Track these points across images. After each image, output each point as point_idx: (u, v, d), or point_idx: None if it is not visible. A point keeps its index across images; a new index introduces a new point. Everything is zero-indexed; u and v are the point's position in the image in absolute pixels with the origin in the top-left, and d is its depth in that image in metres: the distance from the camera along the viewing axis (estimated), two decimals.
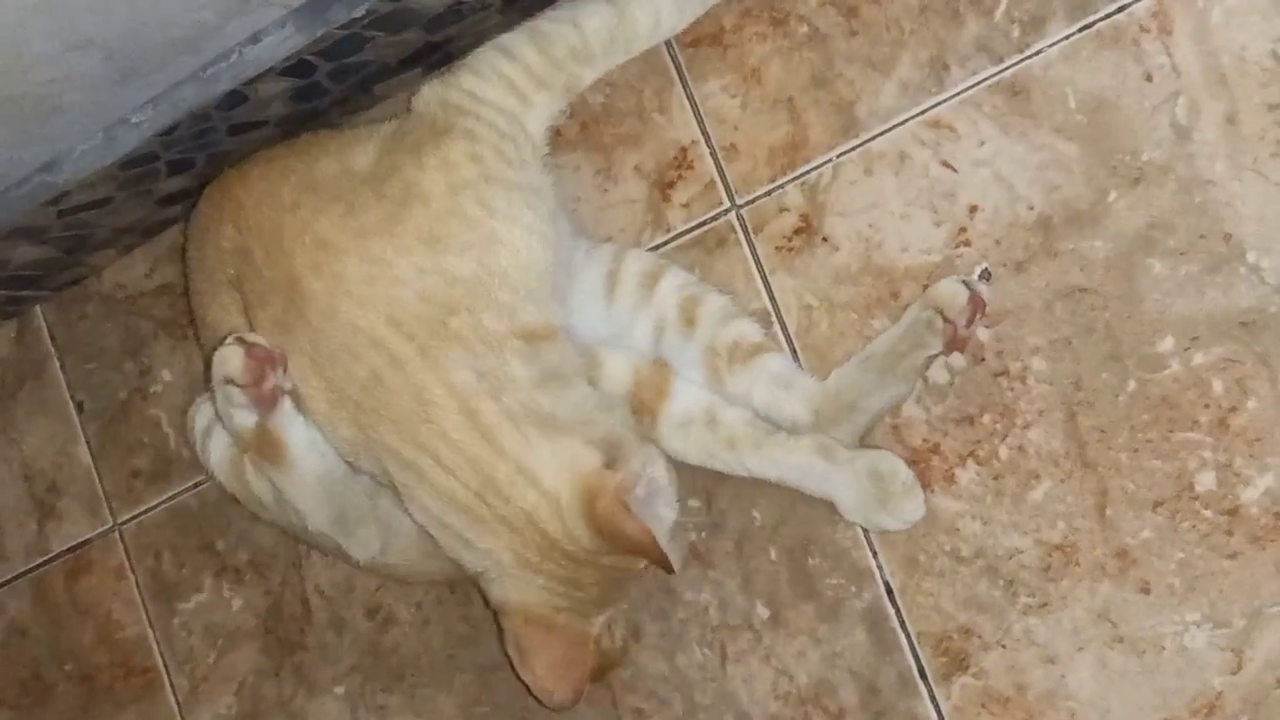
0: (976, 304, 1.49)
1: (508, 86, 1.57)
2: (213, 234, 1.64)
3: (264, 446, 1.50)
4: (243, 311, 1.59)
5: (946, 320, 1.48)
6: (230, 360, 1.47)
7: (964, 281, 1.49)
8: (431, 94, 1.58)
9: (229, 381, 1.47)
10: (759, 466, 1.55)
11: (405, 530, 1.58)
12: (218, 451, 1.61)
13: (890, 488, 1.53)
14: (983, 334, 1.53)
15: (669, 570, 1.43)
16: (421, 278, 1.46)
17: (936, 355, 1.51)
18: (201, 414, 1.65)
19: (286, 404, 1.49)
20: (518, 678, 1.51)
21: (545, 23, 1.59)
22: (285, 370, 1.48)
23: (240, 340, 1.47)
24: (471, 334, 1.45)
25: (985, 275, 1.53)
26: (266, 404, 1.48)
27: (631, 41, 1.62)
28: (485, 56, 1.58)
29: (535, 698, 1.50)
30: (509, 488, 1.43)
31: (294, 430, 1.49)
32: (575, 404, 1.48)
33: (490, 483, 1.43)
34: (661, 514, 1.44)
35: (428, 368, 1.44)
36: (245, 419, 1.50)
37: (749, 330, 1.58)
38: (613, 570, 1.47)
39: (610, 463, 1.42)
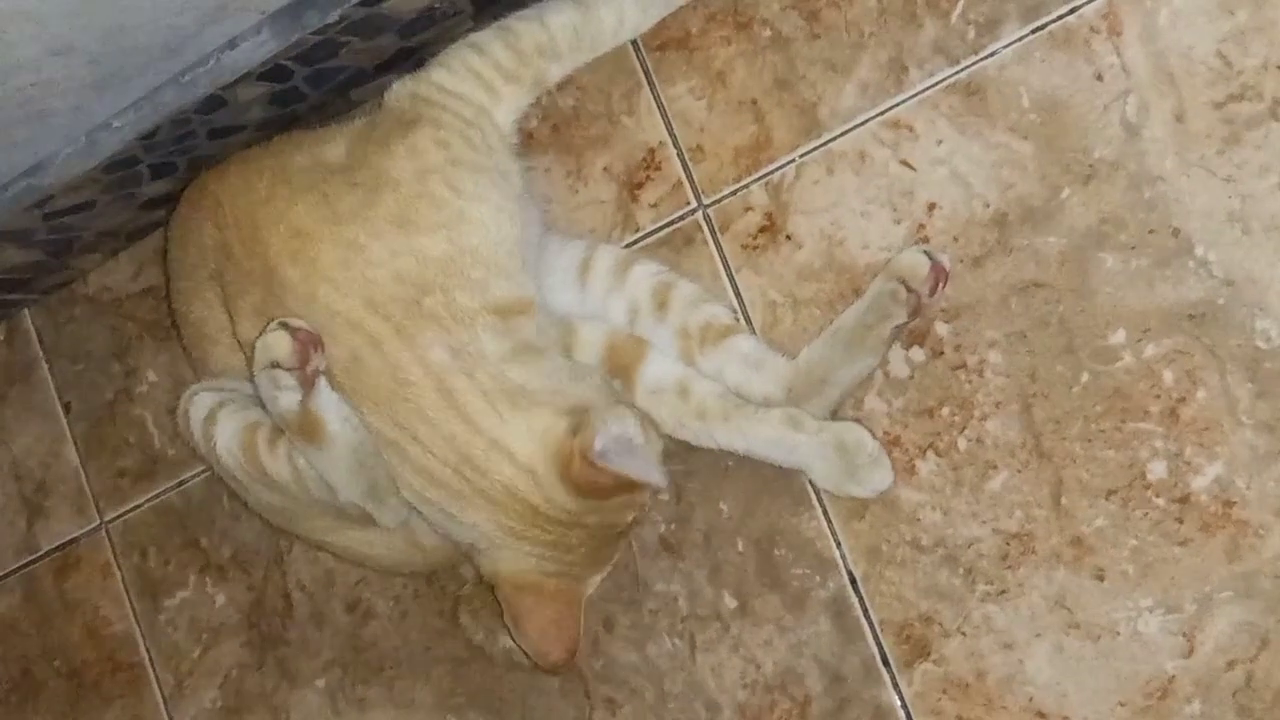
0: (938, 273, 1.52)
1: (476, 79, 1.61)
2: (193, 232, 1.68)
3: (305, 426, 1.53)
4: (224, 306, 1.62)
5: (910, 290, 1.51)
6: (278, 345, 1.49)
7: (925, 251, 1.52)
8: (402, 89, 1.63)
9: (275, 365, 1.50)
10: (728, 438, 1.59)
11: None
12: (225, 437, 1.62)
13: (857, 459, 1.57)
14: (941, 328, 1.56)
15: (660, 488, 1.50)
16: (394, 259, 1.50)
17: (903, 325, 1.54)
18: (198, 404, 1.66)
19: (323, 383, 1.52)
20: (515, 643, 1.57)
21: (514, 21, 1.63)
22: (323, 350, 1.52)
23: (284, 325, 1.50)
24: (445, 312, 1.49)
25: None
26: (309, 385, 1.51)
27: (597, 40, 1.66)
28: (454, 52, 1.63)
29: (532, 660, 1.55)
30: (485, 462, 1.47)
31: (330, 407, 1.52)
32: (547, 374, 1.52)
33: (467, 458, 1.47)
34: (630, 464, 1.45)
35: (404, 346, 1.49)
36: (290, 401, 1.52)
37: (719, 313, 1.62)
38: (599, 529, 1.51)
39: (576, 428, 1.45)
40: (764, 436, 1.57)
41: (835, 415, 1.59)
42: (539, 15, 1.63)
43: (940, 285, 1.53)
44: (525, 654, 1.57)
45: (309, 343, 1.49)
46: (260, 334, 1.51)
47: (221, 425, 1.61)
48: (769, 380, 1.58)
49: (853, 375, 1.57)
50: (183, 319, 1.75)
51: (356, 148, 1.59)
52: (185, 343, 1.78)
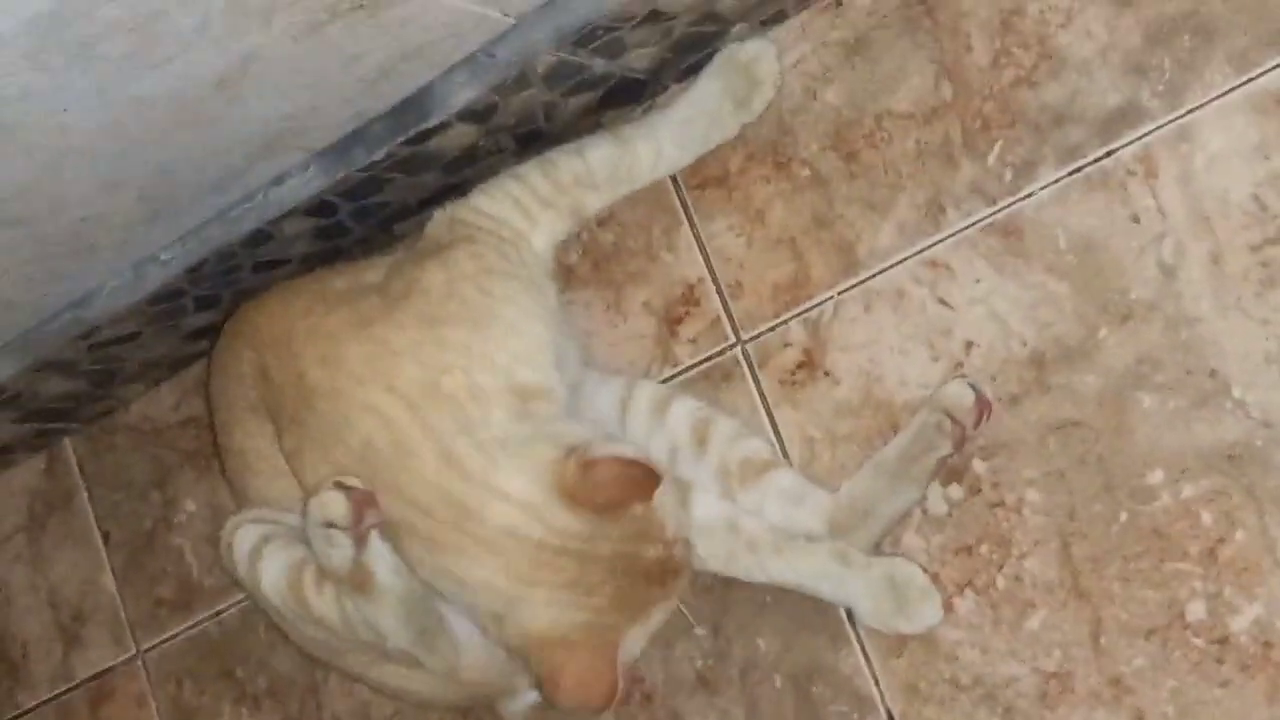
0: (982, 405, 1.53)
1: (514, 205, 1.64)
2: (233, 361, 1.70)
3: (356, 578, 1.53)
4: (263, 434, 1.64)
5: (955, 421, 1.52)
6: (333, 505, 1.49)
7: (970, 384, 1.53)
8: (442, 216, 1.67)
9: (330, 525, 1.50)
10: (779, 570, 1.58)
11: (470, 638, 1.61)
12: (272, 574, 1.61)
13: (908, 593, 1.56)
14: (979, 466, 1.56)
15: (655, 478, 1.46)
16: (418, 348, 1.53)
17: (946, 458, 1.54)
18: (243, 536, 1.65)
19: (374, 537, 1.52)
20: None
21: (554, 153, 1.67)
22: (378, 508, 1.52)
23: (340, 485, 1.50)
24: (463, 392, 1.50)
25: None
26: (362, 542, 1.51)
27: (634, 174, 1.69)
28: (495, 181, 1.66)
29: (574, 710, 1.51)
30: (481, 509, 1.46)
31: (381, 560, 1.52)
32: (552, 421, 1.53)
33: (464, 511, 1.47)
34: (622, 450, 1.47)
35: (413, 421, 1.50)
36: (343, 558, 1.52)
37: (759, 447, 1.63)
38: (616, 562, 1.46)
39: (571, 452, 1.45)
40: (814, 569, 1.57)
41: (876, 551, 1.59)
42: (579, 149, 1.66)
43: (984, 417, 1.53)
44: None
45: (364, 503, 1.49)
46: (315, 493, 1.52)
47: (268, 561, 1.61)
48: (810, 514, 1.58)
49: (895, 508, 1.57)
50: (225, 449, 1.76)
51: (394, 269, 1.63)
52: (227, 473, 1.79)
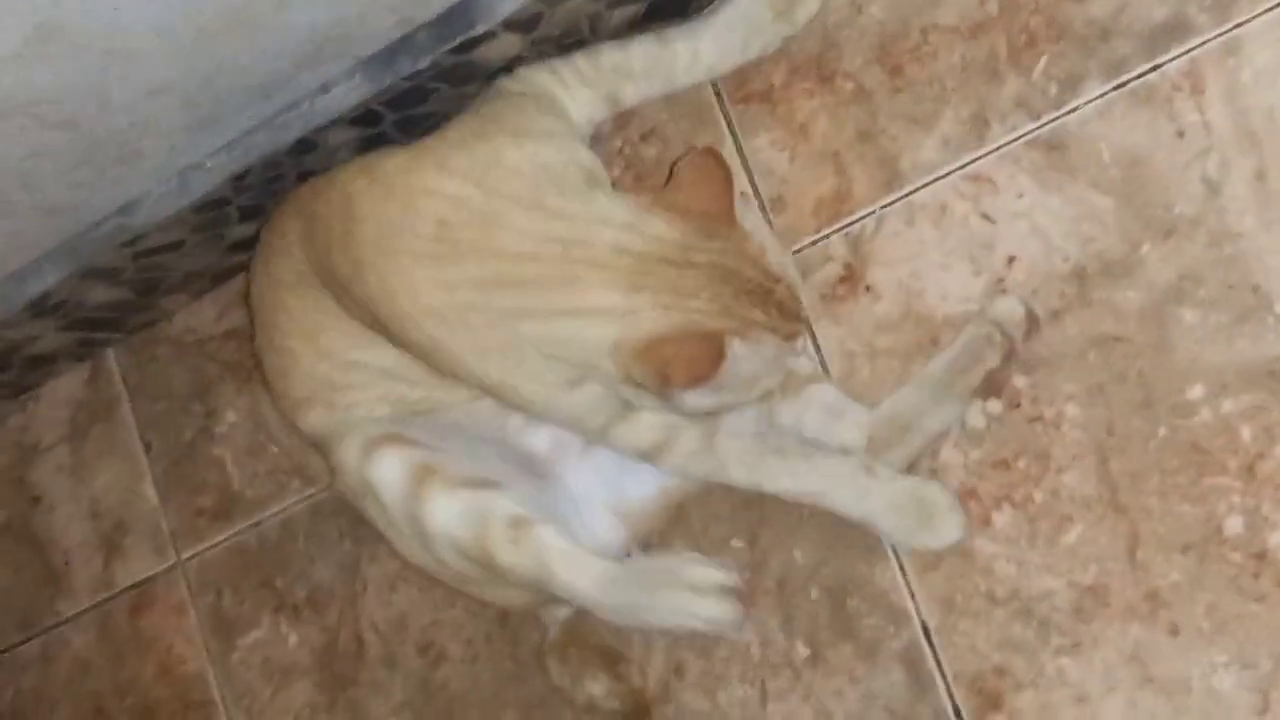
0: (1031, 319, 1.55)
1: (551, 73, 1.67)
2: (278, 241, 1.72)
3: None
4: (307, 308, 1.68)
5: (1004, 335, 1.53)
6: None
7: (1019, 299, 1.55)
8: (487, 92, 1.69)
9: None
10: (805, 477, 1.59)
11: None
12: (449, 515, 1.60)
13: (933, 508, 1.57)
14: (1019, 380, 1.57)
15: (730, 204, 1.50)
16: (463, 139, 1.58)
17: (991, 373, 1.55)
18: (392, 463, 1.63)
19: None
20: None
21: (597, 45, 1.69)
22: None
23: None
24: (528, 164, 1.54)
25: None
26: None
27: (671, 70, 1.69)
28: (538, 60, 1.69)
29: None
30: (587, 235, 1.49)
31: None
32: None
33: (571, 242, 1.49)
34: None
35: (487, 195, 1.52)
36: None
37: (799, 363, 1.63)
38: (715, 271, 1.48)
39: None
40: (841, 478, 1.58)
41: (911, 472, 1.60)
42: (622, 41, 1.68)
43: (1033, 332, 1.54)
44: None
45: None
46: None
47: (443, 501, 1.60)
48: (849, 429, 1.59)
49: (936, 424, 1.58)
50: (267, 348, 1.77)
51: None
52: (269, 375, 1.79)
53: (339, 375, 1.68)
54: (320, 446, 1.72)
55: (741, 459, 1.61)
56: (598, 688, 1.74)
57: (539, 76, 1.67)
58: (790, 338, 1.52)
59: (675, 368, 1.44)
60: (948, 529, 1.59)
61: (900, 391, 1.60)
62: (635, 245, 1.48)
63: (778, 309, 1.50)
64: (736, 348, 1.46)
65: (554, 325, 1.51)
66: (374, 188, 1.57)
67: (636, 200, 1.51)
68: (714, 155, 1.51)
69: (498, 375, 1.56)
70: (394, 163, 1.58)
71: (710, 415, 1.59)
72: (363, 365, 1.67)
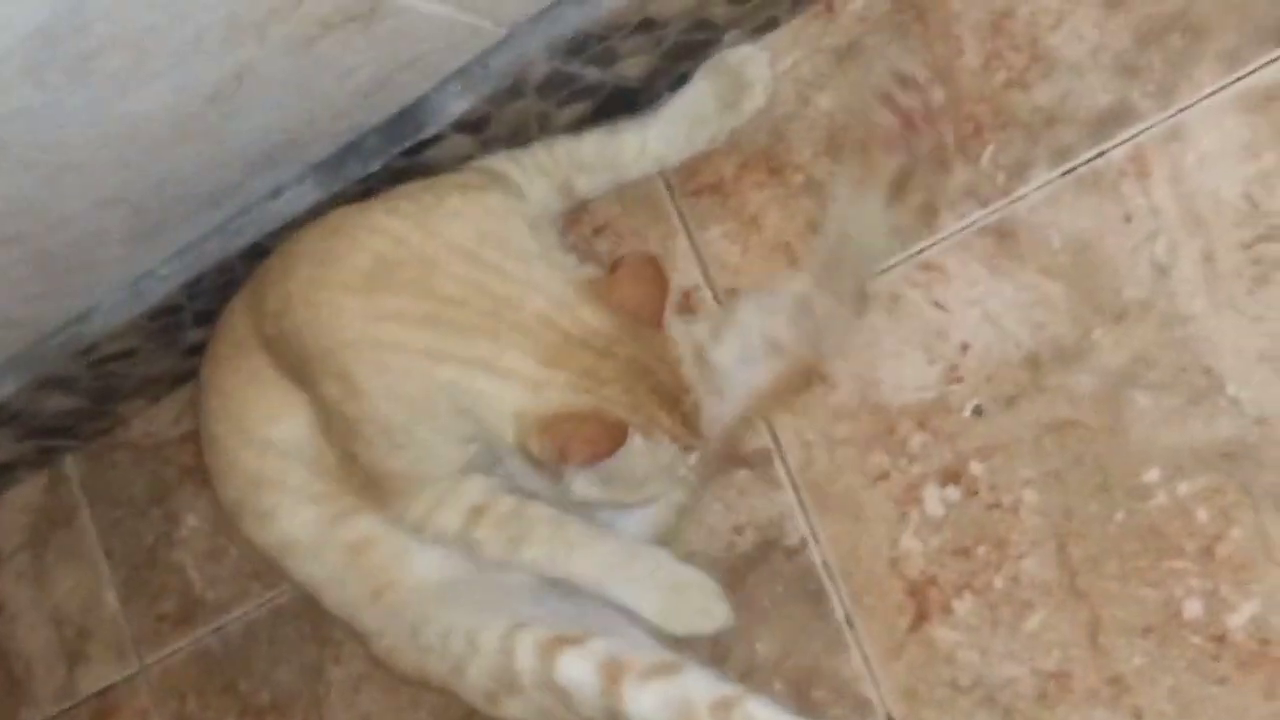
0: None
1: (510, 160, 1.67)
2: (225, 325, 1.72)
3: None
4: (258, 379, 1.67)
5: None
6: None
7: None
8: None
9: None
10: (587, 560, 1.62)
11: None
12: (581, 672, 1.57)
13: (702, 596, 1.62)
14: (976, 467, 1.57)
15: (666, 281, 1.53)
16: (413, 196, 1.58)
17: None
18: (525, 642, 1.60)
19: None
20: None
21: (551, 136, 1.70)
22: None
23: None
24: (475, 208, 1.56)
25: (978, 411, 1.57)
26: None
27: (619, 161, 1.70)
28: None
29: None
30: (519, 298, 1.49)
31: None
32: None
33: (502, 299, 1.50)
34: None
35: (427, 236, 1.53)
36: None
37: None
38: (632, 366, 1.49)
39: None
40: (618, 561, 1.61)
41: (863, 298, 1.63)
42: (575, 134, 1.69)
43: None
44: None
45: None
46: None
47: (644, 695, 1.54)
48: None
49: (864, 229, 1.62)
50: (204, 442, 1.77)
51: None
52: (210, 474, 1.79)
53: (255, 463, 1.68)
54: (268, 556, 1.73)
55: (545, 527, 1.62)
56: None
57: (496, 164, 1.67)
58: (688, 448, 1.53)
59: (574, 444, 1.46)
60: (717, 616, 1.62)
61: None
62: (562, 322, 1.49)
63: (682, 418, 1.51)
64: (637, 441, 1.48)
65: (469, 375, 1.51)
66: (319, 227, 1.59)
67: (574, 277, 1.52)
68: (653, 262, 1.53)
69: (401, 421, 1.56)
70: (342, 211, 1.60)
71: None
72: (276, 446, 1.66)
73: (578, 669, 1.56)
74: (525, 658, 1.58)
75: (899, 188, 1.60)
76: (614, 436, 1.47)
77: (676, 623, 1.61)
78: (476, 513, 1.62)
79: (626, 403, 1.49)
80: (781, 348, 1.63)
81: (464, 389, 1.52)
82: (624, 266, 1.52)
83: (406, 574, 1.66)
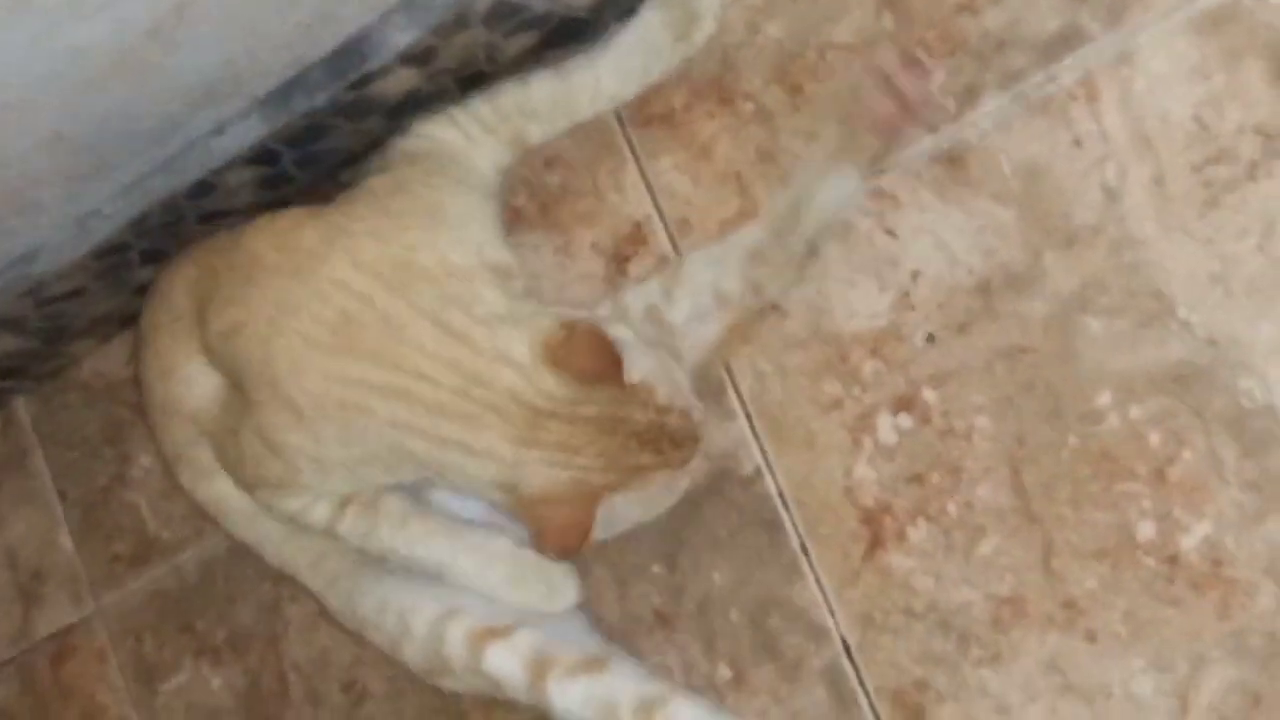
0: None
1: (454, 126, 1.65)
2: (166, 290, 1.73)
3: None
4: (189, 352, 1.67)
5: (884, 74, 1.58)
6: None
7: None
8: (390, 145, 1.67)
9: None
10: (433, 544, 1.64)
11: None
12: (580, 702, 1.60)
13: (551, 575, 1.63)
14: (929, 395, 1.57)
15: (617, 361, 1.49)
16: (377, 230, 1.54)
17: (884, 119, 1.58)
18: (503, 654, 1.62)
19: None
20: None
21: (498, 85, 1.67)
22: None
23: None
24: (438, 268, 1.53)
25: (930, 338, 1.57)
26: None
27: (573, 104, 1.68)
28: (440, 110, 1.67)
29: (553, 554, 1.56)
30: (489, 374, 1.48)
31: None
32: (543, 308, 1.56)
33: (472, 376, 1.48)
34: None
35: (394, 296, 1.51)
36: None
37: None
38: (601, 424, 1.49)
39: (569, 326, 1.50)
40: (466, 546, 1.63)
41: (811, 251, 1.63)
42: (522, 79, 1.67)
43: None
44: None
45: None
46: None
47: (569, 691, 1.59)
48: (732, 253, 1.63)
49: (831, 199, 1.60)
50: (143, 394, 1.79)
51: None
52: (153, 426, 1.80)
53: (191, 425, 1.70)
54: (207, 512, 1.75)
55: (395, 517, 1.64)
56: None
57: (440, 131, 1.65)
58: (682, 464, 1.54)
59: (545, 537, 1.51)
60: (566, 594, 1.63)
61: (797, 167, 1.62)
62: (529, 396, 1.48)
63: (669, 441, 1.52)
64: (616, 502, 1.51)
65: (444, 452, 1.52)
66: (282, 262, 1.56)
67: (535, 338, 1.50)
68: (595, 334, 1.49)
69: (341, 459, 1.59)
70: (306, 238, 1.56)
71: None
72: (211, 412, 1.68)
73: (504, 662, 1.60)
74: (454, 646, 1.62)
75: (876, 162, 1.59)
76: (580, 527, 1.49)
77: (522, 600, 1.62)
78: (341, 505, 1.64)
79: (602, 465, 1.50)
80: (730, 300, 1.62)
81: (437, 460, 1.53)
82: (576, 336, 1.48)
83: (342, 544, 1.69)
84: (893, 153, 1.59)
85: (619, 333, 1.53)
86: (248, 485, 1.66)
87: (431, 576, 1.64)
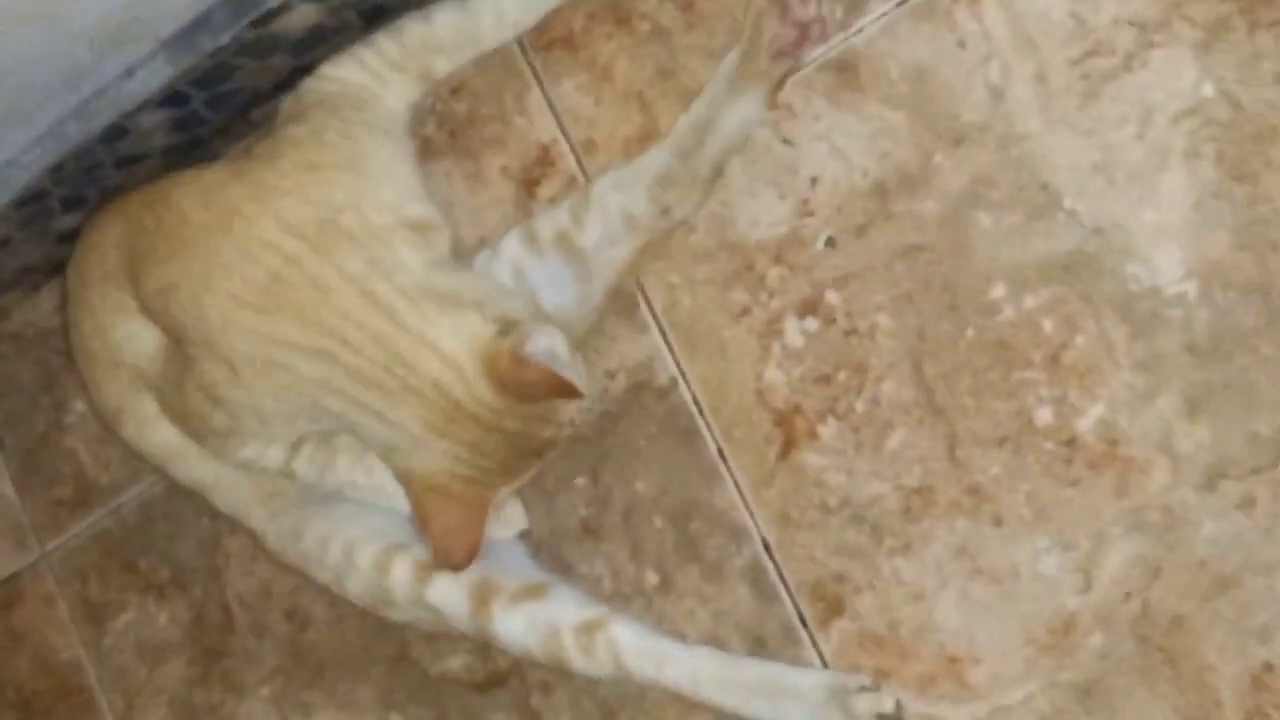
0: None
1: (361, 67, 1.68)
2: (95, 245, 1.74)
3: None
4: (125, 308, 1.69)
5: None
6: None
7: None
8: (294, 93, 1.70)
9: None
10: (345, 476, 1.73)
11: None
12: (521, 630, 1.66)
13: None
14: (831, 297, 1.61)
15: (578, 394, 1.50)
16: (302, 189, 1.56)
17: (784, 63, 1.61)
18: (451, 588, 1.67)
19: None
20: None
21: (401, 20, 1.69)
22: None
23: None
24: (360, 229, 1.55)
25: (830, 242, 1.61)
26: None
27: (479, 34, 1.71)
28: (344, 51, 1.69)
29: (434, 560, 1.59)
30: (413, 358, 1.51)
31: None
32: (471, 285, 1.58)
33: (396, 355, 1.51)
34: (557, 366, 1.49)
35: (321, 260, 1.53)
36: None
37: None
38: (516, 438, 1.54)
39: (505, 331, 1.50)
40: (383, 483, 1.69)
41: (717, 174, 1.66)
42: (424, 13, 1.69)
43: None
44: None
45: None
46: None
47: (511, 618, 1.65)
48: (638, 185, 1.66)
49: (736, 121, 1.62)
50: (75, 350, 1.82)
51: (255, 144, 1.68)
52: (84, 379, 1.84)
53: (134, 377, 1.73)
54: (152, 461, 1.80)
55: (349, 452, 1.71)
56: (456, 662, 1.78)
57: (349, 74, 1.68)
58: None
59: (434, 529, 1.56)
60: (515, 519, 1.71)
61: (694, 103, 1.64)
62: (455, 391, 1.51)
63: (553, 446, 1.60)
64: (501, 495, 1.60)
65: (357, 412, 1.56)
66: (211, 221, 1.58)
67: (486, 349, 1.51)
68: (547, 369, 1.49)
69: (274, 410, 1.62)
70: (233, 196, 1.58)
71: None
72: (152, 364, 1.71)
73: (449, 591, 1.65)
74: (399, 577, 1.66)
75: (778, 89, 1.62)
76: (472, 535, 1.56)
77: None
78: (295, 446, 1.69)
79: (498, 469, 1.56)
80: (639, 223, 1.66)
81: (351, 419, 1.57)
82: (529, 366, 1.49)
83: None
84: (794, 74, 1.62)
85: (556, 342, 1.53)
86: (196, 435, 1.70)
87: (387, 507, 1.69)
